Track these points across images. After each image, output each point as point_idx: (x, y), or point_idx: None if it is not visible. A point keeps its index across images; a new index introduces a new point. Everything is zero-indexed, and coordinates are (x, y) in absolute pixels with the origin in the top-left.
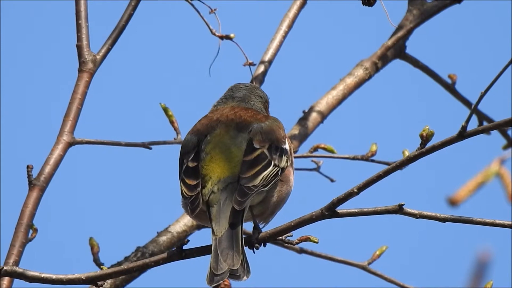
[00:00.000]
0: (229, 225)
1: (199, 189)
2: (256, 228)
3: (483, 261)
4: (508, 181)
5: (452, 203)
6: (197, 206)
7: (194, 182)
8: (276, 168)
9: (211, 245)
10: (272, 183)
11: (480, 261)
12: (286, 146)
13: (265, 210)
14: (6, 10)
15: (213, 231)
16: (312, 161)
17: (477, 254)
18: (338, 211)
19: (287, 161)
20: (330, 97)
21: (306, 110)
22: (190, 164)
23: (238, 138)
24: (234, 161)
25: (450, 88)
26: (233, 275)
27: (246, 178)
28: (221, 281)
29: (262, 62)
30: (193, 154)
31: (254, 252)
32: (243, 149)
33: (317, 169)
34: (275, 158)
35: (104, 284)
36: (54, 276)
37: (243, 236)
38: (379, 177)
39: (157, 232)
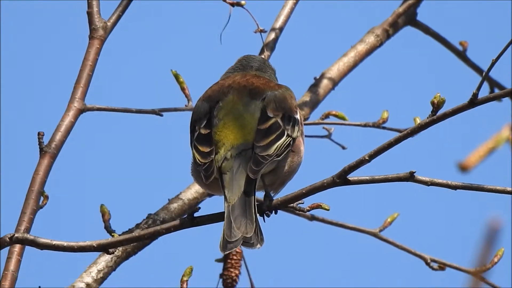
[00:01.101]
0: (242, 192)
1: (213, 156)
2: (267, 196)
3: (494, 228)
4: None
5: (463, 168)
6: (212, 174)
7: (207, 149)
8: (289, 138)
9: (223, 212)
10: (285, 153)
11: (491, 228)
12: (298, 116)
13: (276, 180)
14: None
15: (226, 198)
16: (323, 128)
17: (488, 221)
18: (349, 178)
19: (298, 131)
20: (341, 64)
21: (317, 77)
22: (203, 131)
23: (251, 105)
24: (248, 129)
25: (462, 55)
26: (247, 243)
27: (261, 147)
28: (234, 249)
29: (273, 29)
30: (205, 120)
31: (264, 220)
32: (256, 117)
33: (328, 136)
34: (288, 128)
35: (115, 251)
36: (65, 244)
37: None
38: (390, 145)
39: (168, 199)
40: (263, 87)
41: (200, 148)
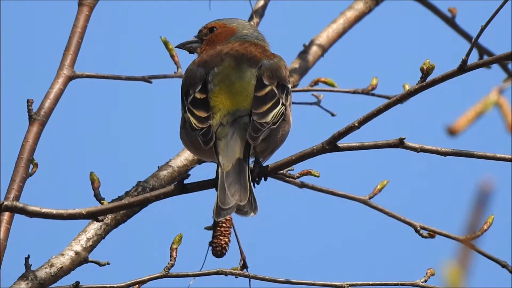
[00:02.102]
0: (237, 159)
1: (211, 121)
2: (257, 162)
3: (485, 191)
4: (507, 111)
5: (451, 132)
6: (211, 139)
7: (204, 114)
8: (283, 106)
9: (213, 179)
10: (279, 121)
11: (482, 191)
12: (289, 85)
13: (267, 147)
14: None
15: (220, 164)
16: (313, 95)
17: (479, 184)
18: (338, 145)
19: (289, 100)
20: (330, 31)
21: (307, 44)
22: (198, 96)
23: (247, 72)
24: (244, 95)
25: (450, 21)
26: (240, 210)
27: (259, 114)
28: (228, 215)
29: None
30: (200, 85)
31: (254, 186)
32: (253, 84)
33: (317, 103)
34: (282, 96)
35: (104, 218)
36: (54, 211)
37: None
38: (379, 111)
39: (158, 167)
40: (260, 55)
41: (197, 112)
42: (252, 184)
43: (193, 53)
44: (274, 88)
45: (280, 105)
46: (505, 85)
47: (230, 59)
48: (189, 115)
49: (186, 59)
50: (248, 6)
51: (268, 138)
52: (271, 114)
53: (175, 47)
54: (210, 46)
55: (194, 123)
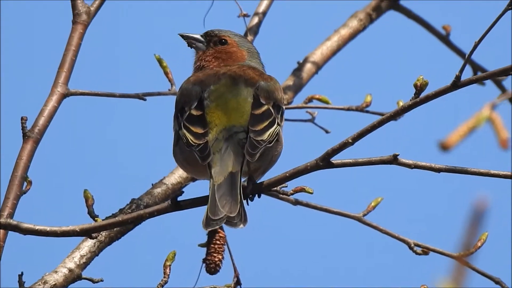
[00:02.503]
0: (229, 173)
1: (207, 138)
2: (251, 179)
3: (480, 209)
4: (499, 126)
5: (444, 148)
6: (208, 155)
7: (201, 131)
8: (279, 126)
9: (207, 196)
10: (274, 140)
11: (477, 209)
12: (284, 107)
13: (259, 167)
14: None
15: (212, 177)
16: (307, 112)
17: (473, 203)
18: (332, 161)
19: (283, 121)
20: (324, 48)
21: (301, 61)
22: (194, 112)
23: (244, 90)
24: (240, 112)
25: (445, 39)
26: (230, 222)
27: (256, 131)
28: (217, 227)
29: (256, 13)
30: (196, 102)
31: (248, 204)
32: (249, 102)
33: (311, 120)
34: (278, 116)
35: (98, 236)
36: (48, 228)
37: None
38: (373, 127)
39: (152, 184)
40: (257, 77)
41: (193, 129)
42: (244, 198)
43: (191, 47)
44: (271, 108)
45: (276, 125)
46: (497, 101)
47: (227, 78)
48: (184, 131)
49: (180, 77)
50: (242, 23)
51: (261, 157)
52: (268, 133)
53: (178, 34)
54: (214, 58)
55: (191, 139)
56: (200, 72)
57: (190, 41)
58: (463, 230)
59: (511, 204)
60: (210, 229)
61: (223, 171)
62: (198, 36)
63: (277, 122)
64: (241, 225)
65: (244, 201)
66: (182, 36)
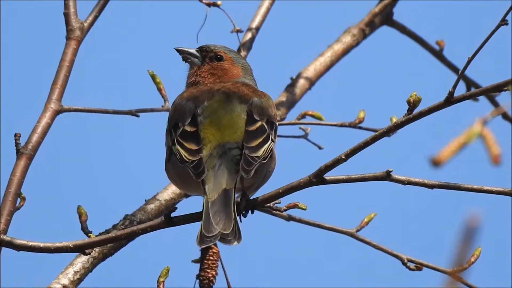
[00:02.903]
0: (223, 190)
1: (202, 154)
2: (244, 196)
3: (472, 226)
4: (491, 142)
5: (435, 163)
6: (202, 172)
7: (195, 147)
8: (272, 142)
9: (200, 212)
10: (268, 156)
11: (469, 226)
12: (277, 124)
13: (254, 182)
14: None
15: (206, 194)
16: (300, 128)
17: (465, 219)
18: (326, 177)
19: (276, 138)
20: (318, 64)
21: (294, 77)
22: (188, 129)
23: (238, 107)
24: (234, 128)
25: (438, 54)
26: (224, 239)
27: (251, 148)
28: (211, 244)
29: (249, 29)
30: (190, 118)
31: (240, 220)
32: (243, 118)
33: (305, 136)
34: (271, 132)
35: (92, 252)
36: (41, 244)
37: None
38: (366, 144)
39: (145, 200)
40: (250, 94)
41: (187, 145)
42: (237, 215)
43: (185, 62)
44: (264, 124)
45: (269, 141)
46: (490, 117)
47: (221, 95)
48: (178, 147)
49: (174, 93)
50: (235, 39)
51: (255, 173)
52: (262, 149)
53: (174, 48)
54: (209, 74)
55: (185, 156)
56: (194, 88)
57: (185, 55)
58: (455, 246)
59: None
60: (203, 246)
61: (217, 187)
62: (193, 51)
63: (271, 138)
64: (235, 242)
65: (238, 217)
66: (178, 50)
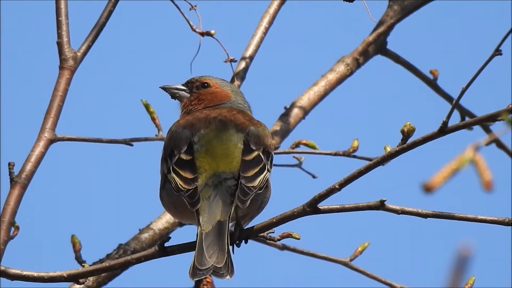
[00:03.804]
0: (217, 221)
1: (197, 183)
2: (238, 225)
3: (464, 257)
4: (483, 168)
5: (427, 189)
6: (197, 201)
7: (191, 176)
8: (268, 172)
9: (194, 242)
10: (264, 186)
11: (461, 257)
12: (273, 153)
13: (248, 212)
14: None
15: (200, 225)
16: (294, 157)
17: (458, 249)
18: (319, 207)
19: (272, 168)
20: (311, 93)
21: (288, 106)
22: (184, 157)
23: (234, 136)
24: (231, 158)
25: (432, 83)
26: (217, 272)
27: (247, 177)
28: (203, 277)
29: (243, 58)
30: (186, 146)
31: (233, 252)
32: (240, 148)
33: (299, 165)
34: (267, 162)
35: (86, 281)
36: (35, 274)
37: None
38: (360, 173)
39: (139, 229)
40: (247, 122)
41: (182, 173)
42: (230, 244)
43: (174, 99)
44: (261, 154)
45: (266, 171)
46: (481, 143)
47: (217, 123)
48: (174, 175)
49: (168, 122)
50: (229, 69)
51: (251, 203)
52: (258, 179)
53: (160, 87)
54: (199, 102)
55: (180, 184)
56: (190, 115)
57: (172, 92)
58: (449, 275)
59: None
60: (196, 279)
61: (211, 219)
62: (179, 86)
63: (267, 168)
64: (228, 276)
65: (231, 247)
66: (164, 88)
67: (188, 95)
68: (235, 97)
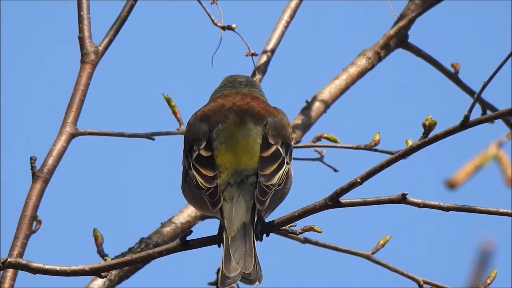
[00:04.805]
0: (242, 224)
1: (217, 181)
2: (260, 219)
3: (486, 251)
4: (506, 164)
5: (450, 186)
6: (218, 201)
7: (211, 174)
8: (288, 166)
9: (216, 235)
10: (284, 181)
11: (483, 251)
12: (292, 142)
13: (270, 205)
14: (9, 2)
15: (225, 229)
16: (315, 150)
17: (480, 243)
18: (341, 201)
19: (291, 158)
20: (333, 87)
21: (309, 100)
22: (203, 153)
23: (253, 130)
24: (251, 154)
25: (453, 77)
26: (245, 278)
27: (265, 176)
28: (233, 284)
29: (264, 52)
30: (204, 142)
31: (255, 246)
32: (258, 143)
33: (320, 159)
34: (286, 156)
35: (108, 275)
36: (58, 268)
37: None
38: (382, 167)
39: (161, 223)
40: (263, 112)
41: (203, 171)
42: (256, 249)
43: None
44: (279, 147)
45: (285, 165)
46: (504, 139)
47: (234, 116)
48: (194, 173)
49: (189, 116)
50: (250, 63)
51: (271, 198)
52: (277, 176)
53: None
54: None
55: (201, 182)
56: (205, 106)
57: None
58: (471, 268)
59: None
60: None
61: (236, 222)
62: None
63: (286, 161)
64: (257, 283)
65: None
66: None
67: None
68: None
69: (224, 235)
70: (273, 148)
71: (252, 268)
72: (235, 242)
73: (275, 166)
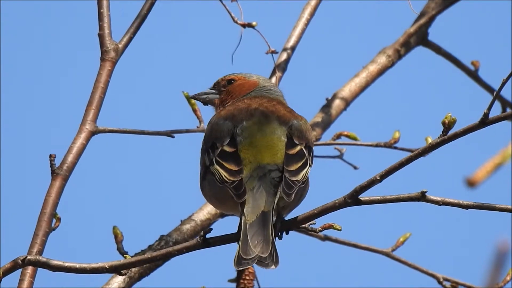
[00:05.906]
0: (261, 212)
1: (242, 175)
2: (280, 217)
3: (502, 251)
4: None
5: (470, 184)
6: (244, 193)
7: (236, 168)
8: (310, 167)
9: (235, 233)
10: (306, 181)
11: (500, 251)
12: (313, 148)
13: (289, 204)
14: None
15: (244, 215)
16: (335, 148)
17: (496, 243)
18: (361, 198)
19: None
20: (353, 85)
21: (329, 98)
22: (227, 149)
23: (278, 129)
24: (275, 150)
25: (473, 74)
26: (261, 262)
27: (291, 171)
28: (248, 266)
29: (284, 49)
30: (228, 139)
31: (275, 241)
32: (283, 141)
33: (340, 156)
34: (309, 158)
35: (127, 272)
36: (77, 265)
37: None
38: (401, 165)
39: (181, 220)
40: (289, 115)
41: (227, 165)
42: (274, 237)
43: (207, 105)
44: (303, 148)
45: (308, 166)
46: None
47: (260, 115)
48: (218, 167)
49: (209, 114)
50: (270, 61)
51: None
52: (302, 173)
53: (190, 97)
54: (231, 97)
55: (225, 176)
56: (231, 105)
57: (201, 98)
58: (490, 266)
59: None
60: (241, 268)
61: (255, 210)
62: (207, 90)
63: (309, 163)
64: (273, 266)
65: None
66: (194, 98)
67: (218, 95)
68: (262, 83)
69: (243, 221)
70: (298, 148)
71: (269, 253)
72: (253, 227)
73: (300, 164)
